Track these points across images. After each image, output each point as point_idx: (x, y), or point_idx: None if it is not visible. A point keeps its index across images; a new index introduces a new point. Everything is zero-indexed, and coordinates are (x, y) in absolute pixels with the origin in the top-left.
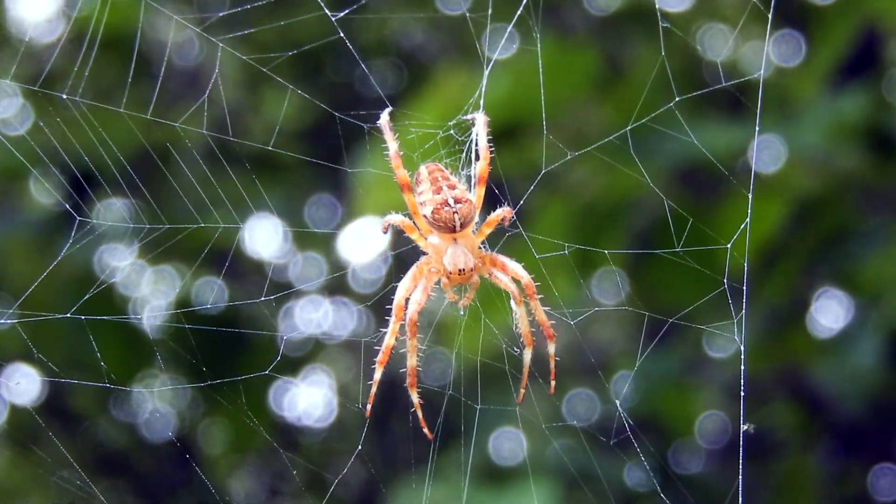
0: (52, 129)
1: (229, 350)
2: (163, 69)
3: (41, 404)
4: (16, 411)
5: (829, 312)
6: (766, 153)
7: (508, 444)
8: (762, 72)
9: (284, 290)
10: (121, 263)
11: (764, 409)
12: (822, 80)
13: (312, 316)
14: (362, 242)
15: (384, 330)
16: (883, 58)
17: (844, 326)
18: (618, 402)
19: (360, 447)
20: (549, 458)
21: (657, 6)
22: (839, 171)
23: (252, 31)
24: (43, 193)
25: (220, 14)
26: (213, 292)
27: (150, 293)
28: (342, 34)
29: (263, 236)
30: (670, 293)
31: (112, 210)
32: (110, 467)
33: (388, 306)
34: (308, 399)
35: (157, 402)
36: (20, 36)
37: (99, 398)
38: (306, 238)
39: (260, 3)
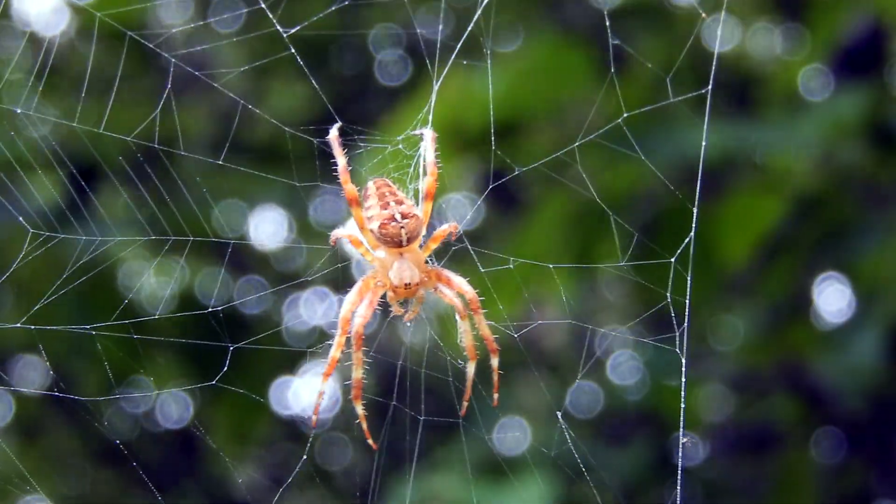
0: (56, 119)
1: (231, 342)
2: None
3: (45, 396)
4: (21, 401)
5: (830, 307)
6: (767, 148)
7: (510, 435)
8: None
9: (288, 282)
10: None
11: (764, 402)
12: (822, 72)
13: (317, 307)
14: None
15: (330, 343)
16: (887, 53)
17: (845, 321)
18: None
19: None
20: (548, 451)
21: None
22: (840, 165)
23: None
24: (46, 184)
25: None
26: (216, 283)
27: (154, 283)
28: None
29: (268, 228)
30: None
31: (117, 201)
32: (114, 457)
33: (389, 309)
34: (310, 391)
35: (161, 393)
36: (23, 27)
37: (103, 388)
38: (311, 230)
39: None
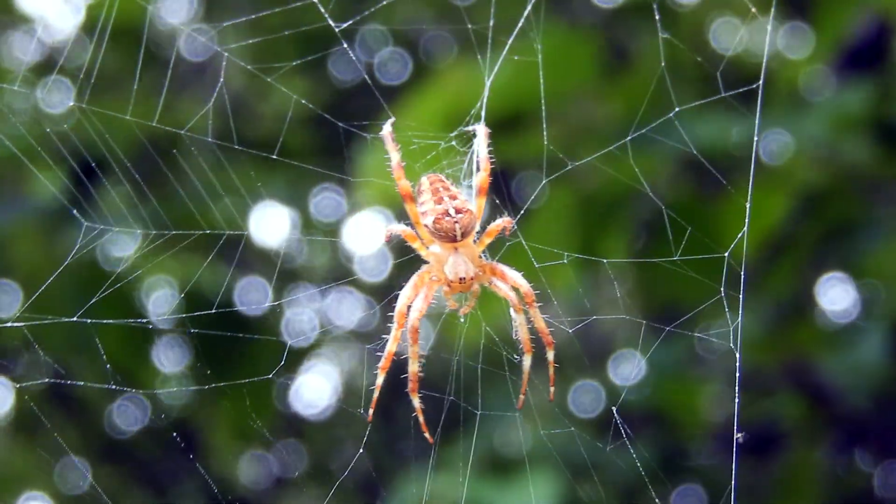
0: (60, 118)
1: (233, 339)
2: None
3: (45, 390)
4: (20, 398)
5: (835, 304)
6: (771, 145)
7: (512, 434)
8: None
9: (290, 279)
10: (125, 254)
11: (768, 400)
12: (825, 67)
13: (318, 305)
14: (365, 233)
15: (386, 337)
16: (892, 50)
17: (850, 319)
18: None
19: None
20: (551, 450)
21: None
22: (844, 162)
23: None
24: (49, 181)
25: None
26: (217, 280)
27: (155, 281)
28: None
29: (270, 225)
30: (670, 295)
31: (119, 198)
32: (114, 454)
33: (393, 305)
34: (313, 388)
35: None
36: (30, 26)
37: (104, 384)
38: (312, 227)
39: None
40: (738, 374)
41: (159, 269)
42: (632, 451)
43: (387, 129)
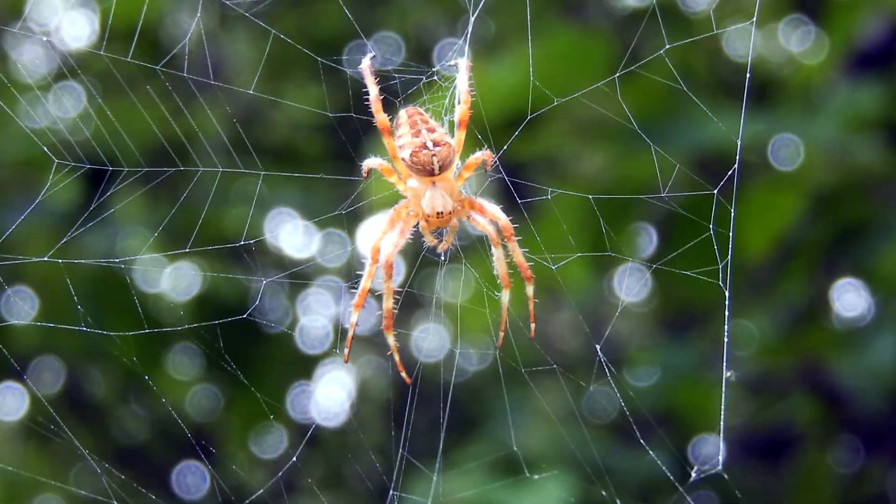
0: (73, 120)
1: (248, 342)
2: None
3: (60, 395)
4: (35, 403)
5: (848, 307)
6: (783, 146)
7: (526, 436)
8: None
9: (303, 283)
10: (139, 256)
11: (782, 403)
12: (836, 69)
13: (331, 310)
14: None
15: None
16: None
17: (864, 321)
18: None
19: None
20: (566, 451)
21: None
22: (857, 164)
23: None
24: (63, 184)
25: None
26: (231, 285)
27: (170, 285)
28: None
29: (283, 231)
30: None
31: (131, 201)
32: (128, 459)
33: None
34: (326, 393)
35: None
36: (42, 27)
37: (118, 389)
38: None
39: None
40: (727, 313)
41: (173, 274)
42: (649, 450)
43: (365, 62)
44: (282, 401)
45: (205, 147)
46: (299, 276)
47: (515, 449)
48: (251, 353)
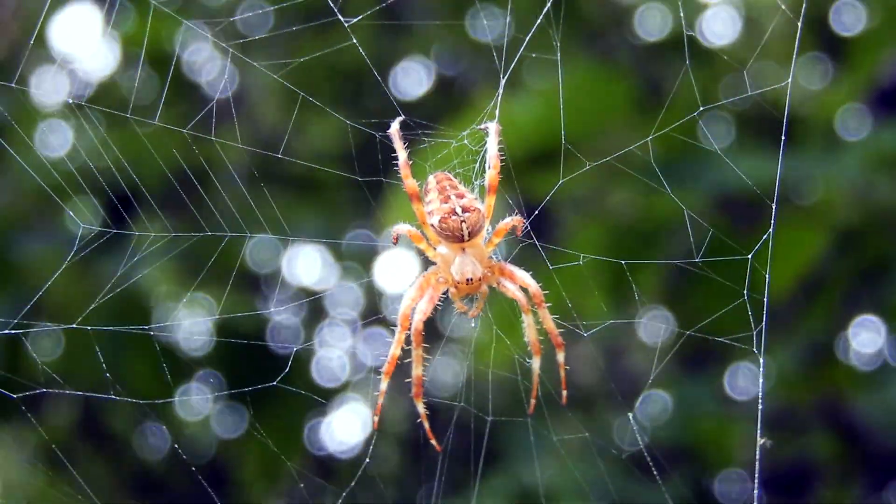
0: (92, 148)
1: (264, 374)
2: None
3: (75, 425)
4: (49, 431)
5: (869, 344)
6: (806, 184)
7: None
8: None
9: (320, 316)
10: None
11: (801, 439)
12: (858, 107)
13: (347, 343)
14: (397, 268)
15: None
16: None
17: (884, 358)
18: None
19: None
20: (583, 484)
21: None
22: (879, 201)
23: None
24: (82, 212)
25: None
26: (248, 315)
27: (187, 317)
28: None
29: (301, 262)
30: (696, 310)
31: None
32: (143, 489)
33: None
34: (342, 426)
35: (190, 425)
36: (64, 56)
37: (133, 419)
38: (344, 261)
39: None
40: (761, 381)
41: (191, 303)
42: (662, 487)
43: (394, 126)
44: (298, 432)
45: (226, 175)
46: (316, 306)
47: (535, 483)
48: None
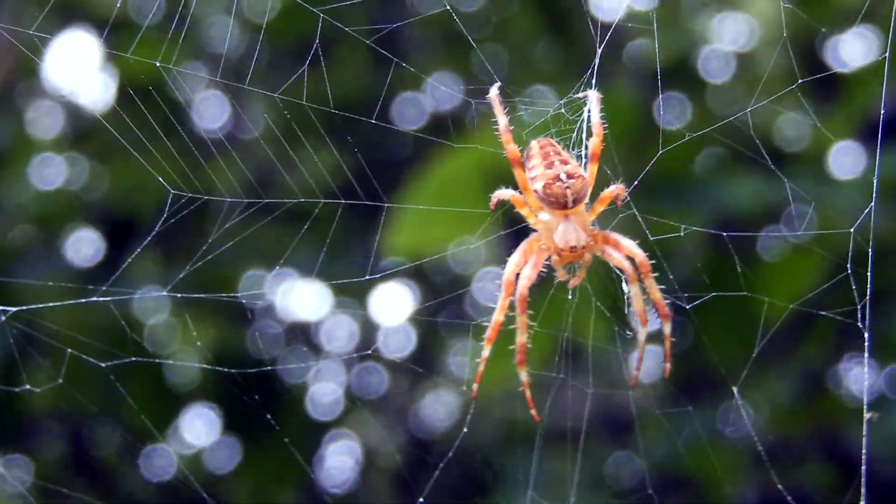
0: (88, 182)
1: (259, 408)
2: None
3: (67, 457)
4: (41, 465)
5: (864, 377)
6: (803, 213)
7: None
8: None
9: (315, 350)
10: (151, 320)
11: (798, 470)
12: (853, 139)
13: (342, 378)
14: (392, 301)
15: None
16: None
17: (880, 389)
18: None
19: None
20: None
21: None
22: (879, 232)
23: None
24: (79, 243)
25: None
26: (243, 347)
27: (182, 349)
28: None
29: (296, 294)
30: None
31: (146, 263)
32: None
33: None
34: (335, 462)
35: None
36: (58, 91)
37: (127, 452)
38: (339, 295)
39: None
40: (866, 356)
41: (187, 336)
42: None
43: (493, 91)
44: (293, 465)
45: (220, 208)
46: (310, 339)
47: None
48: (262, 415)
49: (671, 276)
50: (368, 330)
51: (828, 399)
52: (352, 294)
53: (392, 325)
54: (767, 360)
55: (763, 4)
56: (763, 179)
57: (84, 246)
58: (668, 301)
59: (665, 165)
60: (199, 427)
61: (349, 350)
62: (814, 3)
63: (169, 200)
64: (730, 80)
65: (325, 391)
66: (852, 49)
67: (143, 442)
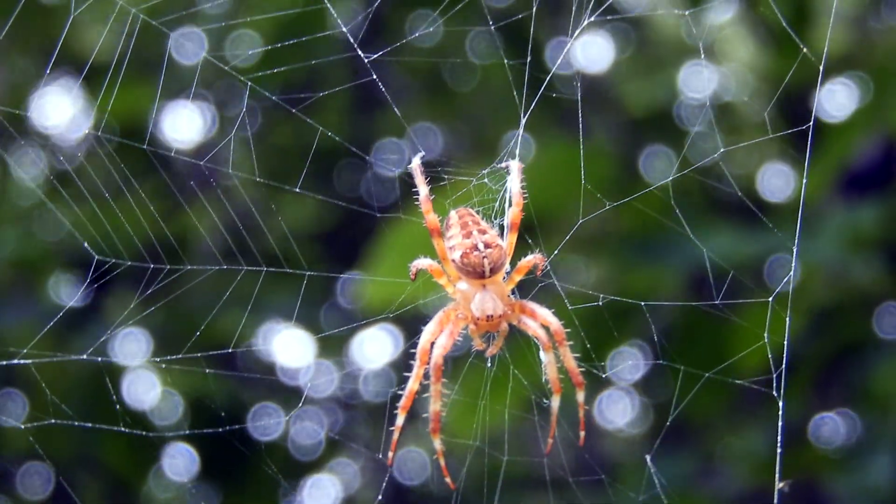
0: (69, 223)
1: (237, 453)
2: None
3: (48, 502)
4: None
5: (843, 425)
6: (780, 265)
7: None
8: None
9: (295, 394)
10: (132, 364)
11: None
12: (831, 190)
13: (323, 420)
14: (373, 346)
15: (408, 375)
16: None
17: (857, 440)
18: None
19: None
20: None
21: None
22: (855, 283)
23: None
24: (58, 286)
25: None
26: (222, 394)
27: (160, 395)
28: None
29: (276, 340)
30: (708, 350)
31: (124, 303)
32: None
33: (395, 411)
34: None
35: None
36: (42, 130)
37: (106, 497)
38: (320, 342)
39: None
40: (780, 423)
41: (165, 381)
42: None
43: (416, 161)
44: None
45: (199, 249)
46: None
47: None
48: (240, 460)
49: (588, 345)
50: (347, 373)
51: (805, 450)
52: (331, 341)
53: (370, 370)
54: (743, 412)
55: (742, 54)
56: (737, 232)
57: (63, 289)
58: (581, 370)
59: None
60: (177, 471)
61: (329, 394)
62: (791, 54)
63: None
64: (705, 129)
65: (306, 436)
66: (829, 101)
67: (122, 485)
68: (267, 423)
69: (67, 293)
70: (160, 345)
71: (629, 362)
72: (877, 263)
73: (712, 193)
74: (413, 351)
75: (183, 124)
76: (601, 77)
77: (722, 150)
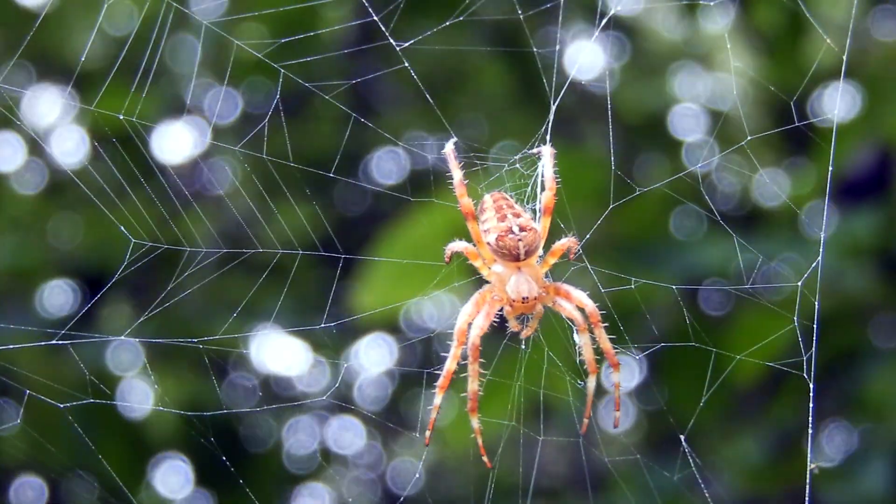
0: (63, 232)
1: (232, 462)
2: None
3: None
4: None
5: (837, 434)
6: (775, 274)
7: None
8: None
9: (290, 403)
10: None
11: None
12: (825, 198)
13: (317, 431)
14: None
15: (445, 355)
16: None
17: (851, 449)
18: None
19: None
20: None
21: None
22: (849, 291)
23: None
24: (53, 294)
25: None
26: (216, 402)
27: (155, 402)
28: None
29: (270, 347)
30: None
31: (119, 314)
32: None
33: (390, 424)
34: None
35: None
36: (35, 136)
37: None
38: (316, 349)
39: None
40: (811, 405)
41: (160, 387)
42: None
43: (449, 146)
44: None
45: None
46: (284, 396)
47: None
48: (235, 469)
49: (621, 327)
50: (342, 382)
51: (800, 457)
52: (326, 347)
53: (366, 378)
54: (736, 421)
55: (737, 63)
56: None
57: (56, 297)
58: (616, 351)
59: (636, 225)
60: (173, 480)
61: (323, 402)
62: (785, 62)
63: (130, 249)
64: (702, 137)
65: (298, 444)
66: (823, 106)
67: (117, 496)
68: (260, 432)
69: (61, 302)
70: (155, 355)
71: (660, 345)
72: (871, 272)
73: (705, 200)
74: (413, 350)
75: (178, 134)
76: (598, 84)
77: (717, 156)
